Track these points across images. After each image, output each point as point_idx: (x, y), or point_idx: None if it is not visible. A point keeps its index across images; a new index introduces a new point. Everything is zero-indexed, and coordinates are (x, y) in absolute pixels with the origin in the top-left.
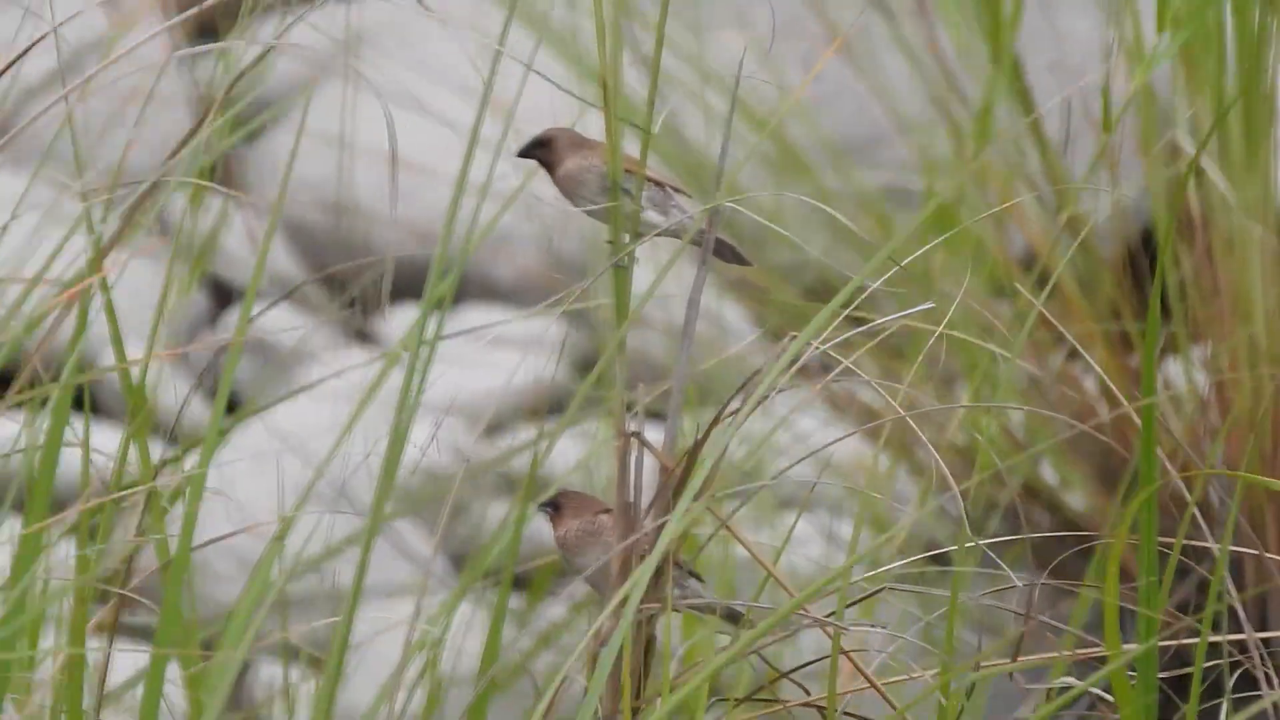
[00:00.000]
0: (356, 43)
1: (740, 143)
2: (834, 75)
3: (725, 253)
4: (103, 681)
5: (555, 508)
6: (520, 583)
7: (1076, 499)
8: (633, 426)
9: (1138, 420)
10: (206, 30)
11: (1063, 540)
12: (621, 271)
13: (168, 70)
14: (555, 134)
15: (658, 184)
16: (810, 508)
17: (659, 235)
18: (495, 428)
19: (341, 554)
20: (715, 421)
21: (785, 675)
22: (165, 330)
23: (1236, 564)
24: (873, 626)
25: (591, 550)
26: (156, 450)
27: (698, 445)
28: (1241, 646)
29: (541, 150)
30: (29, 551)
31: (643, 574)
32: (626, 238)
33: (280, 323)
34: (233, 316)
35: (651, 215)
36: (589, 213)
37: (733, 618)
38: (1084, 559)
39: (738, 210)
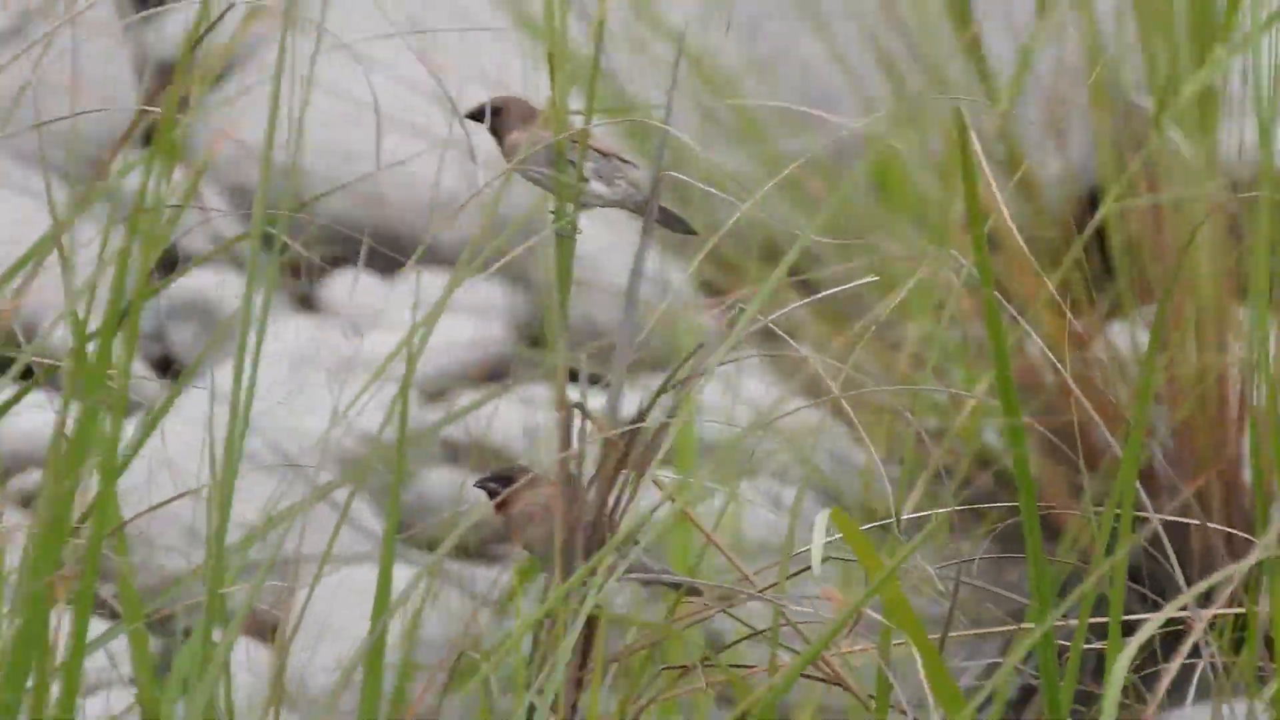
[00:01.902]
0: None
1: (692, 104)
2: (782, 37)
3: (671, 221)
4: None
5: (502, 481)
6: (468, 550)
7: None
8: (575, 395)
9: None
10: None
11: (1011, 506)
12: (565, 242)
13: (113, 35)
14: (507, 102)
15: (604, 154)
16: (755, 473)
17: (604, 206)
18: (438, 393)
19: (286, 521)
20: (660, 392)
21: (756, 633)
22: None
23: (1181, 534)
24: (814, 599)
25: (536, 525)
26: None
27: (641, 416)
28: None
29: (492, 117)
30: None
31: (602, 554)
32: (569, 208)
33: (221, 286)
34: (178, 282)
35: (597, 186)
36: (535, 182)
37: (677, 588)
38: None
39: (680, 174)
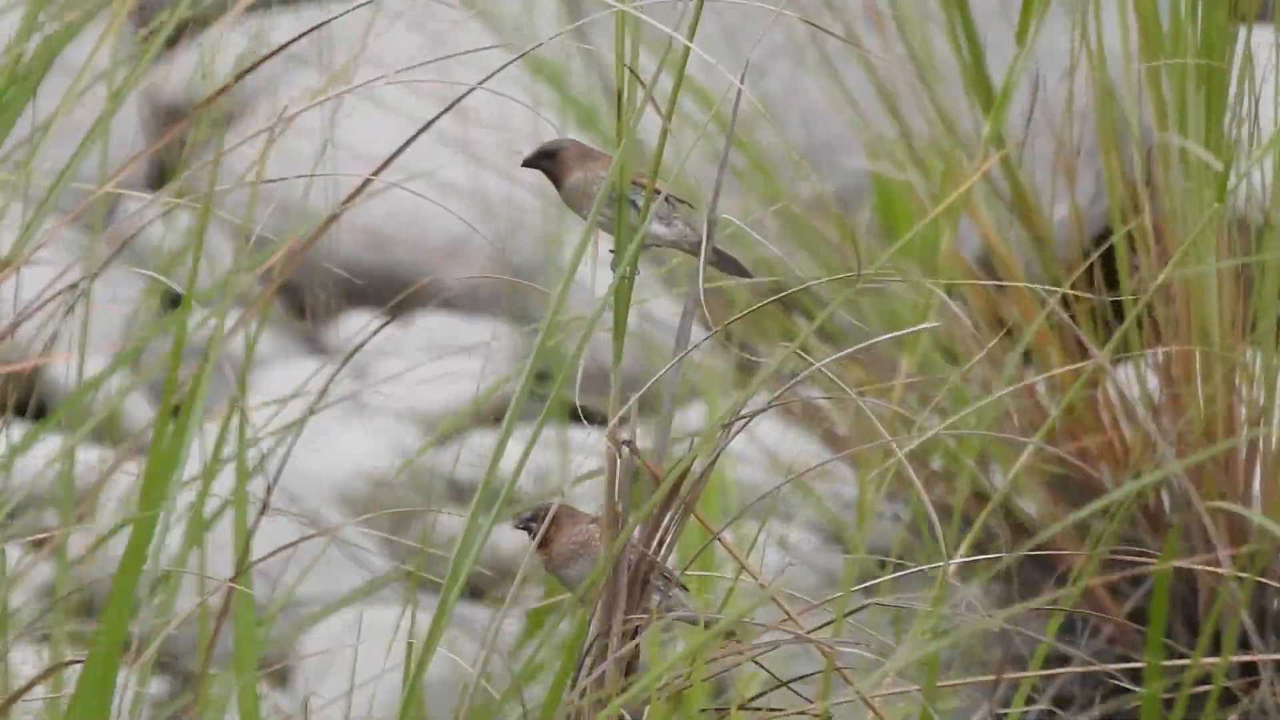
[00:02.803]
0: (317, 46)
1: (704, 145)
2: (790, 78)
3: (725, 263)
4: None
5: (541, 520)
6: (476, 592)
7: (1028, 504)
8: (624, 436)
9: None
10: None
11: (1020, 547)
12: (623, 282)
13: (124, 78)
14: (563, 145)
15: (662, 196)
16: (762, 515)
17: (660, 247)
18: (448, 435)
19: (291, 561)
20: (708, 435)
21: (786, 684)
22: (119, 337)
23: (1187, 574)
24: (858, 645)
25: (581, 561)
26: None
27: (692, 455)
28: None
29: (548, 161)
30: None
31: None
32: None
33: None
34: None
35: (656, 227)
36: (598, 224)
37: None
38: (1041, 567)
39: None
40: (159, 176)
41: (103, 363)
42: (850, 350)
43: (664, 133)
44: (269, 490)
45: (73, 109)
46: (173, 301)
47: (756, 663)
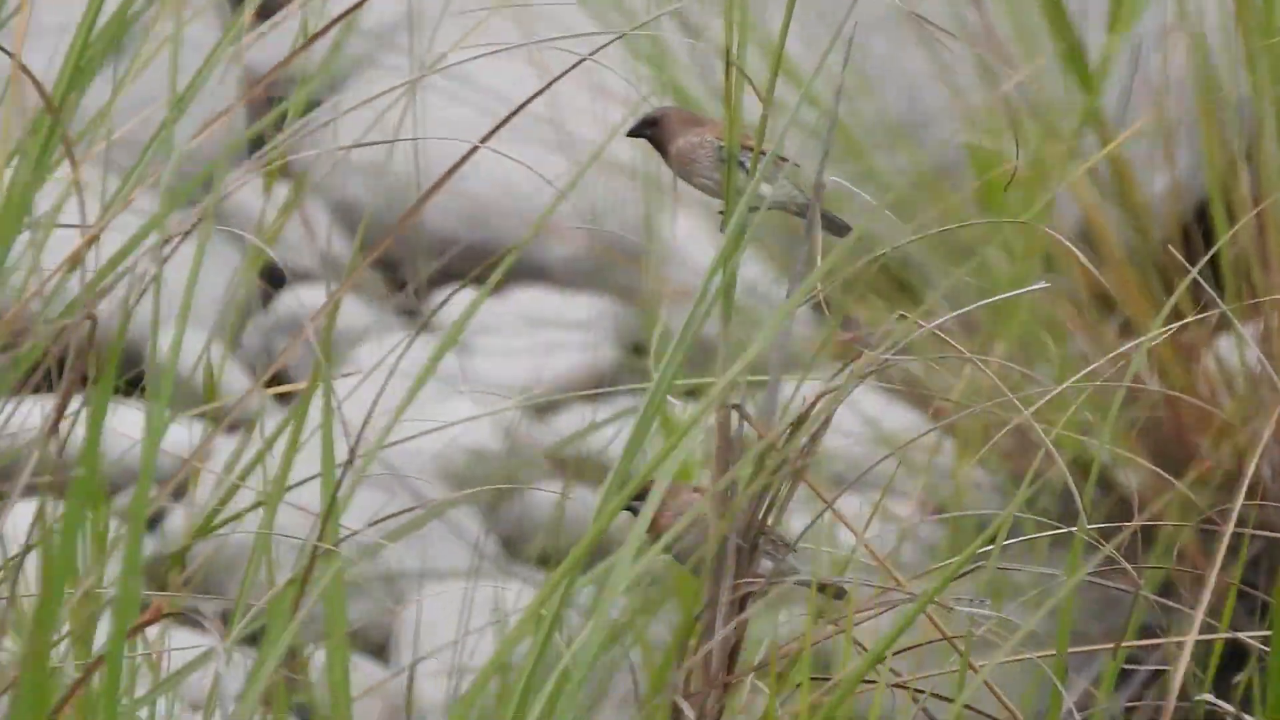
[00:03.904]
0: (413, 22)
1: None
2: (884, 55)
3: (833, 225)
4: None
5: (643, 496)
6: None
7: (1128, 476)
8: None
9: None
10: (261, 12)
11: (1119, 518)
12: (733, 242)
13: (220, 53)
14: (666, 112)
15: (768, 155)
16: (862, 485)
17: (768, 209)
18: (545, 409)
19: (395, 537)
20: (820, 396)
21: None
22: (216, 313)
23: None
24: (974, 602)
25: (688, 531)
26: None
27: (802, 418)
28: None
29: (652, 129)
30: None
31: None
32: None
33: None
34: (284, 299)
35: (763, 188)
36: (701, 189)
37: (835, 594)
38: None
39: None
40: (257, 150)
41: (200, 336)
42: (954, 314)
43: (771, 86)
44: (351, 452)
45: (199, 89)
46: (268, 273)
47: (860, 643)
